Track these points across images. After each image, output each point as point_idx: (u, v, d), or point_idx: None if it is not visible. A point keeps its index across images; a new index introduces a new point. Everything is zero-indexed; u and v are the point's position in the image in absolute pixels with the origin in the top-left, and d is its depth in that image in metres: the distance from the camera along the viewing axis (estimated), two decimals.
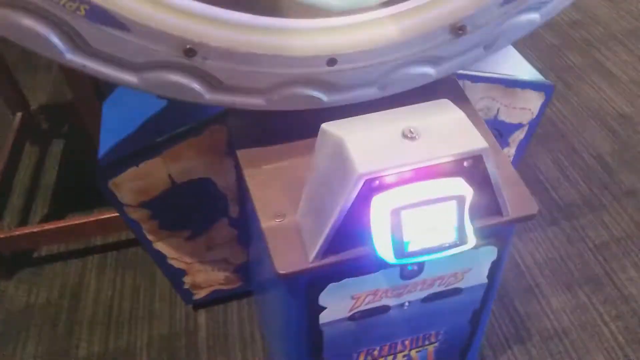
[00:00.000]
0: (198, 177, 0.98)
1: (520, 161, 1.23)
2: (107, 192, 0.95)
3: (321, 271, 0.70)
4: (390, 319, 0.84)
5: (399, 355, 0.95)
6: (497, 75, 1.03)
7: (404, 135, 0.64)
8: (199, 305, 1.32)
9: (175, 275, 1.18)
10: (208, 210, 1.04)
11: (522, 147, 1.19)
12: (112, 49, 0.65)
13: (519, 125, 1.15)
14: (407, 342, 0.93)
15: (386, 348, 0.92)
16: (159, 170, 0.95)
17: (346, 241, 0.68)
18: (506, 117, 1.11)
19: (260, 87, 0.74)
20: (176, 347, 1.26)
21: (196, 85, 0.72)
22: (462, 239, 0.64)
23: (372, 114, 0.70)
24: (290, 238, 0.71)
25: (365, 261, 0.70)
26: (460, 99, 0.90)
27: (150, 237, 1.07)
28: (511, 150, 1.19)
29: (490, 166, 0.66)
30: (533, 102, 1.11)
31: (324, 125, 0.69)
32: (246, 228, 1.07)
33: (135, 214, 1.02)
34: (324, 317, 0.79)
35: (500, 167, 0.76)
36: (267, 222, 0.74)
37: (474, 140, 0.64)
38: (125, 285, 1.38)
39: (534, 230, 1.45)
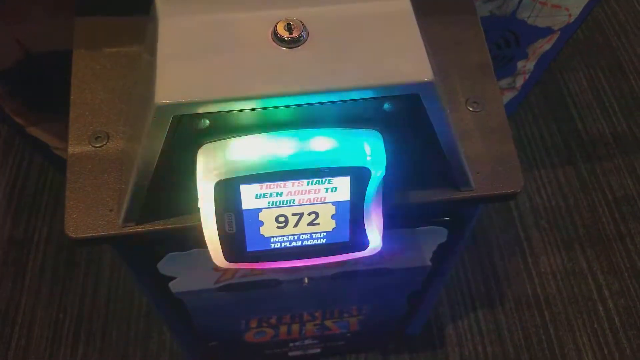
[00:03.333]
0: (61, 49, 0.69)
1: (537, 80, 0.89)
2: None
3: (143, 238, 0.43)
4: (284, 293, 0.59)
5: (309, 324, 0.72)
6: None
7: (277, 36, 0.33)
8: None
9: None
10: None
11: (544, 61, 0.85)
12: None
13: (547, 31, 0.80)
14: (317, 314, 0.69)
15: (287, 317, 0.68)
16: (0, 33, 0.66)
17: (176, 201, 0.41)
18: (529, 16, 0.76)
19: None
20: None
21: None
22: (357, 240, 0.36)
23: None
24: (104, 179, 0.44)
25: None
26: None
27: (18, 120, 0.81)
28: (528, 65, 0.85)
29: (438, 115, 0.35)
30: None
31: None
32: None
33: None
34: (176, 286, 0.54)
35: (483, 110, 0.45)
36: (77, 146, 0.46)
37: (410, 62, 0.33)
38: (33, 166, 1.15)
39: (540, 165, 1.14)
